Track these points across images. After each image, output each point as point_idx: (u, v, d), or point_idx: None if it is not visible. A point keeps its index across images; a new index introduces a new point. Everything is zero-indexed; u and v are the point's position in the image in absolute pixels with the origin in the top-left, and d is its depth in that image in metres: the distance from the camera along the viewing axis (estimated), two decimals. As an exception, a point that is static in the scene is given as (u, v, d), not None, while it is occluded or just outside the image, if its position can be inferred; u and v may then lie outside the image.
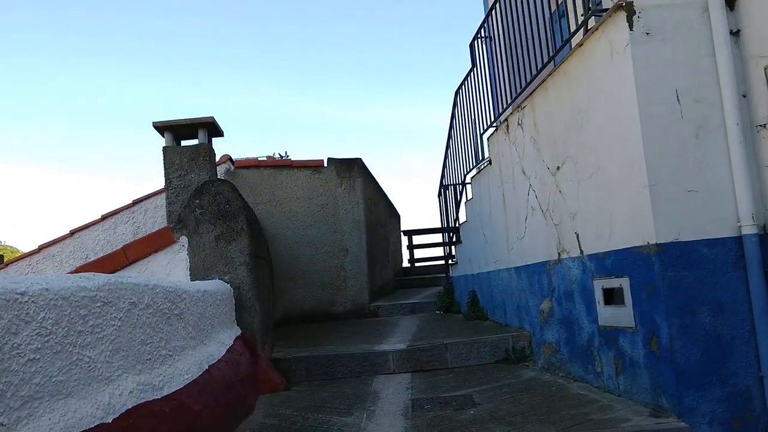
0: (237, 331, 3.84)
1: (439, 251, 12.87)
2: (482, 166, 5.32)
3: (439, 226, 12.80)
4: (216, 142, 5.00)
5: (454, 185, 6.33)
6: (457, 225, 6.47)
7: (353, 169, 6.92)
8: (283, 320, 6.43)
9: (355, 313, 6.63)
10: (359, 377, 4.16)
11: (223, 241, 4.05)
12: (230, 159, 6.71)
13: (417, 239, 12.94)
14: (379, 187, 8.64)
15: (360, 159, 6.97)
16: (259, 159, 6.86)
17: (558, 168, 3.75)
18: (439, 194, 6.82)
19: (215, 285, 3.58)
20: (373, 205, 7.83)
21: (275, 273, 6.57)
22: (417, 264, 12.63)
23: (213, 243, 4.04)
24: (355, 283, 6.72)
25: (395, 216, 11.24)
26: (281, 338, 5.33)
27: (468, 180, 5.84)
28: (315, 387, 3.97)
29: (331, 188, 6.84)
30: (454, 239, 6.64)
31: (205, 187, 4.12)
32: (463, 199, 6.10)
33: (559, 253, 3.80)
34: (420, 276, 10.43)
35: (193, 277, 4.00)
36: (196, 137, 4.83)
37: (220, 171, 6.63)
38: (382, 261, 8.32)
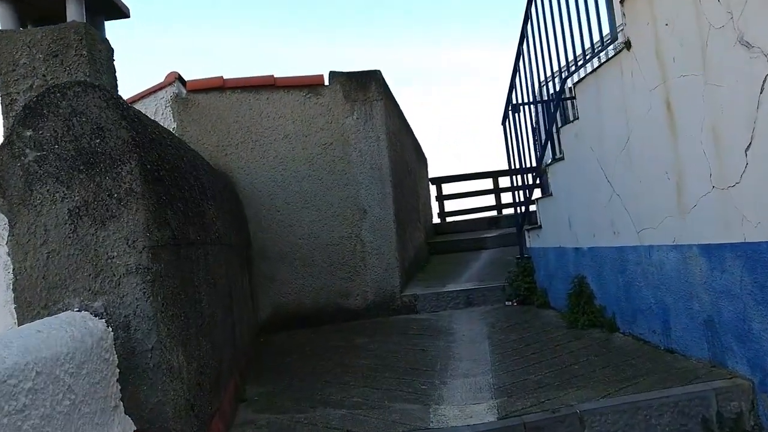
0: (116, 438, 1.61)
1: (474, 202, 10.54)
2: (605, 58, 2.92)
3: (474, 171, 10.54)
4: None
5: (536, 103, 3.95)
6: (539, 166, 4.11)
7: (369, 87, 4.53)
8: (271, 324, 4.23)
9: (381, 307, 4.38)
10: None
11: (88, 219, 1.77)
12: (179, 78, 4.35)
13: (447, 188, 10.63)
14: (404, 116, 6.25)
15: (379, 72, 4.58)
16: (226, 79, 4.48)
17: None
18: (505, 119, 4.43)
19: (35, 343, 1.31)
20: (399, 142, 5.48)
21: (256, 251, 4.32)
22: (449, 219, 10.35)
23: (66, 225, 1.76)
24: (378, 261, 4.44)
25: (422, 159, 8.87)
26: (260, 369, 3.14)
27: (569, 89, 3.45)
28: None
29: (338, 118, 4.49)
30: (532, 190, 4.28)
31: (48, 101, 1.82)
32: (554, 124, 3.71)
33: None
34: (458, 236, 8.14)
35: (22, 307, 1.76)
36: (64, 17, 2.49)
37: (163, 98, 4.30)
38: (413, 222, 6.04)
